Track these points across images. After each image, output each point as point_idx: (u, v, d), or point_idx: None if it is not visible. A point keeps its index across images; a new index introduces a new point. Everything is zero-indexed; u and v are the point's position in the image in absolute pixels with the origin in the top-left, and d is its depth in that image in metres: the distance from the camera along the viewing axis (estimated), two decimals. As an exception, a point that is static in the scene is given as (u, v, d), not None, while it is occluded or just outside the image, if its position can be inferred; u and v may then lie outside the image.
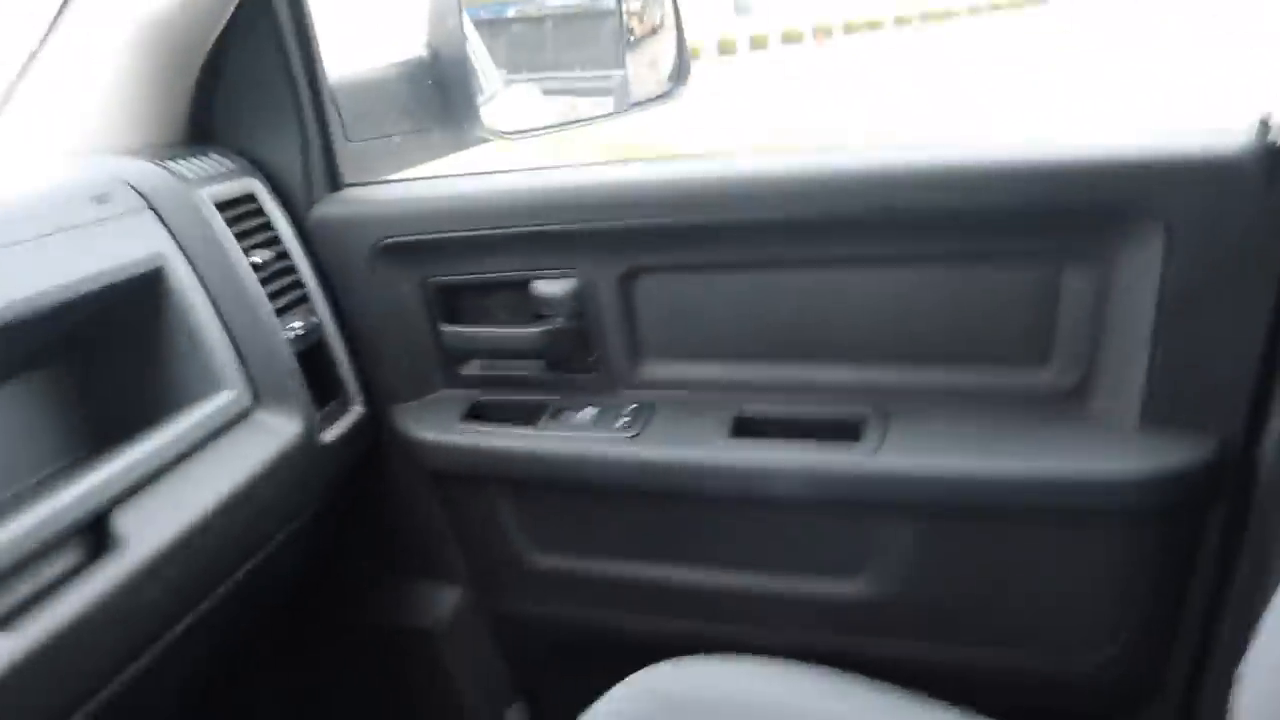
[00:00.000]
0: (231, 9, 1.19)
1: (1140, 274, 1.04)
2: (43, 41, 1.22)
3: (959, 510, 1.13)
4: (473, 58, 1.33)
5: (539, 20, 1.58)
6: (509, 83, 1.48)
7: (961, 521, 1.14)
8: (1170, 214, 1.00)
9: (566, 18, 1.56)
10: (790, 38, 17.61)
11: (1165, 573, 1.11)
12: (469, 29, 1.36)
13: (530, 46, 1.58)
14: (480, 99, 1.34)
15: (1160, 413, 1.06)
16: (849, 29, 19.21)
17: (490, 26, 1.50)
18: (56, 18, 1.20)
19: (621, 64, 1.44)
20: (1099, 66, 11.82)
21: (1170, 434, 1.06)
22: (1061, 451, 1.09)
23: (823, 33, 18.44)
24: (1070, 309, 1.09)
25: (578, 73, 1.54)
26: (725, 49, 15.72)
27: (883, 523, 1.17)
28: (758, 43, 16.58)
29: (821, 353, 1.20)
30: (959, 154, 1.10)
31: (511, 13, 1.54)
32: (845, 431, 1.16)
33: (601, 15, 1.50)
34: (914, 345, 1.16)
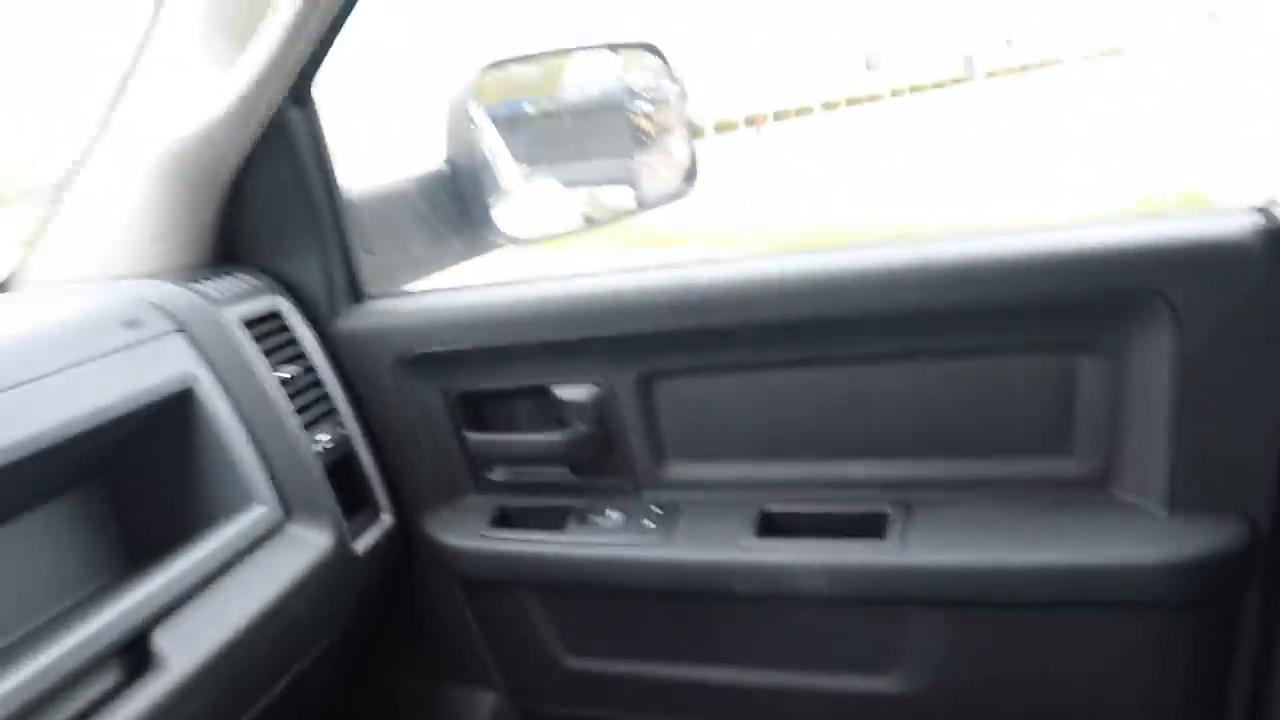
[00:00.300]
0: (253, 137, 1.23)
1: (1154, 358, 1.04)
2: (76, 170, 1.24)
3: (988, 602, 1.12)
4: (489, 166, 1.36)
5: (556, 115, 1.61)
6: (528, 177, 1.50)
7: (991, 614, 1.13)
8: (1177, 298, 1.00)
9: (582, 113, 1.59)
10: (723, 128, 18.13)
11: (1202, 661, 1.09)
12: (488, 130, 1.39)
13: (548, 140, 1.61)
14: (496, 202, 1.36)
15: (1186, 497, 1.05)
16: (779, 117, 19.84)
17: (509, 122, 1.53)
18: (89, 149, 1.22)
19: (632, 160, 1.48)
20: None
21: (1198, 518, 1.05)
22: (1089, 540, 1.08)
23: (758, 120, 19.03)
24: (1088, 396, 1.09)
25: (593, 164, 1.57)
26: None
27: (912, 617, 1.16)
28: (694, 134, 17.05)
29: (842, 448, 1.20)
30: (965, 249, 1.10)
31: (530, 109, 1.57)
32: (870, 527, 1.16)
33: (615, 111, 1.54)
34: (934, 438, 1.16)
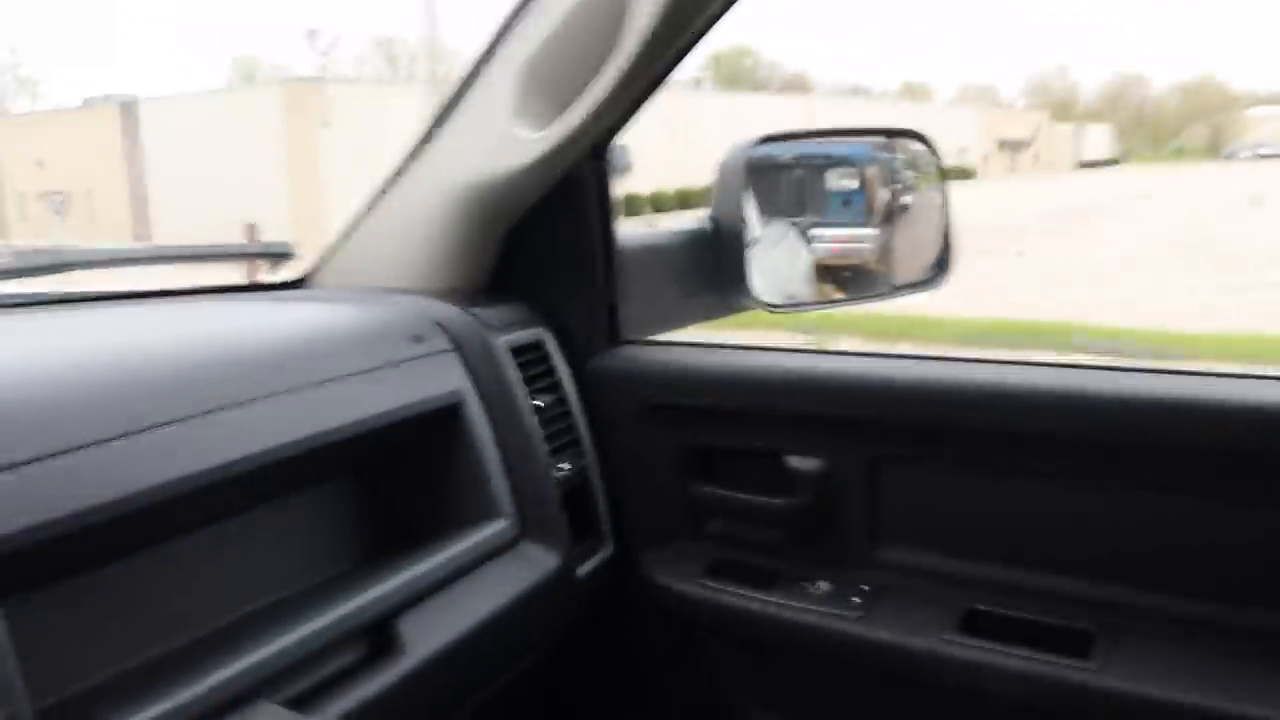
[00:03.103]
0: (549, 186, 1.34)
1: None
2: (383, 190, 1.37)
3: None
4: (749, 231, 1.41)
5: (795, 169, 1.63)
6: (780, 236, 1.54)
7: None
8: None
9: (844, 176, 1.61)
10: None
11: None
12: (752, 198, 1.45)
13: (797, 193, 1.62)
14: (753, 265, 1.41)
15: None
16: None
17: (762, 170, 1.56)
18: (399, 173, 1.35)
19: (888, 239, 1.51)
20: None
21: None
22: None
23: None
24: None
25: (842, 231, 1.59)
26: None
27: None
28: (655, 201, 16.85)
29: (1057, 561, 1.20)
30: (1221, 391, 1.09)
31: (789, 157, 1.59)
32: (1075, 644, 1.15)
33: (877, 183, 1.56)
34: (1152, 569, 1.15)
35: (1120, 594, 1.17)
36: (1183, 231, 18.27)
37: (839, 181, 1.56)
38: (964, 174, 46.95)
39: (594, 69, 1.20)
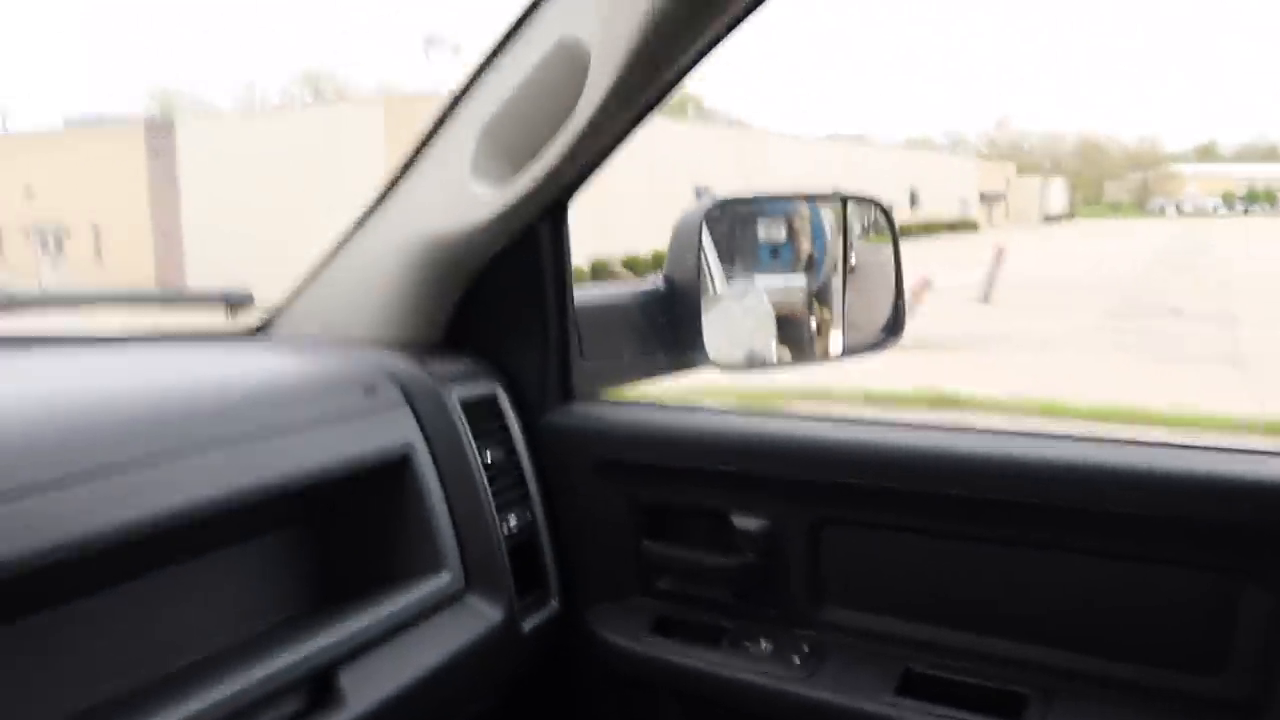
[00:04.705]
0: (505, 243, 1.35)
1: None
2: (343, 241, 1.39)
3: None
4: (704, 291, 1.43)
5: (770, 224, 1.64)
6: (744, 289, 1.56)
7: None
8: None
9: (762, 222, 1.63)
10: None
11: None
12: (705, 238, 1.47)
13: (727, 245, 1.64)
14: (707, 325, 1.43)
15: None
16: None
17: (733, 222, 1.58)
18: (358, 225, 1.37)
19: (840, 300, 1.54)
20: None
21: None
22: None
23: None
24: (1246, 624, 1.08)
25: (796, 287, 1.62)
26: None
27: None
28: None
29: (993, 624, 1.22)
30: (1147, 459, 1.12)
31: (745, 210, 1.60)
32: (1008, 706, 1.17)
33: (831, 246, 1.59)
34: (1085, 632, 1.17)
35: (1053, 656, 1.19)
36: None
37: (768, 232, 1.59)
38: (968, 226, 47.57)
39: (551, 131, 1.22)
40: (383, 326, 1.41)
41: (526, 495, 1.37)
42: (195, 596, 1.08)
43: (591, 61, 1.15)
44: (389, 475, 1.23)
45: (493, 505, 1.30)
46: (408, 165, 1.34)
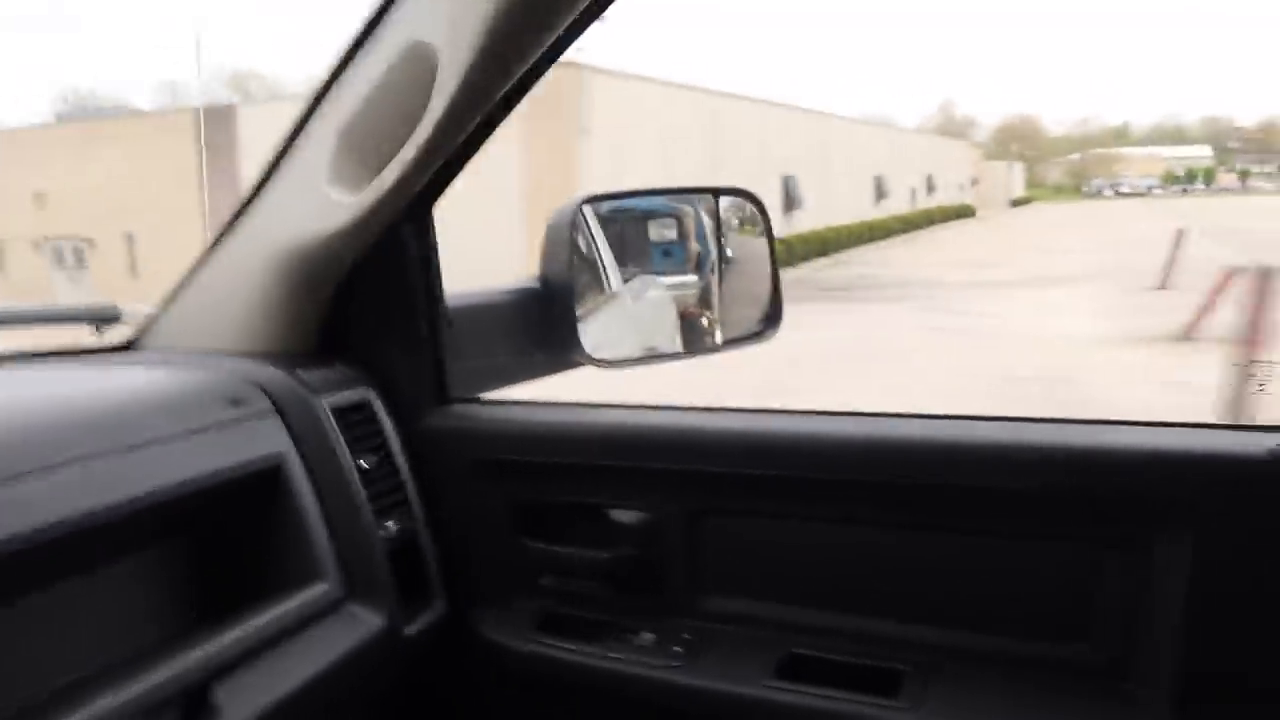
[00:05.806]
0: (368, 248, 1.34)
1: (1173, 565, 1.07)
2: (208, 253, 1.37)
3: None
4: (578, 290, 1.44)
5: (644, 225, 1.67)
6: (645, 285, 1.57)
7: None
8: (1201, 509, 1.05)
9: (653, 222, 1.65)
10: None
11: None
12: (597, 234, 1.47)
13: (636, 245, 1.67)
14: (582, 323, 1.43)
15: (1191, 699, 1.08)
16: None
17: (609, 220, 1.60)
18: (222, 236, 1.36)
19: (716, 293, 1.55)
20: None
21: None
22: None
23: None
24: (1108, 589, 1.13)
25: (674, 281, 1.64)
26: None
27: None
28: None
29: (869, 605, 1.25)
30: (1011, 434, 1.16)
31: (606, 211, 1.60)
32: (885, 684, 1.19)
33: (704, 239, 1.61)
34: (957, 608, 1.20)
35: (928, 634, 1.22)
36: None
37: (660, 233, 1.60)
38: (967, 212, 47.39)
39: (405, 133, 1.22)
40: (252, 338, 1.39)
41: (405, 500, 1.36)
42: (68, 616, 1.06)
43: (440, 63, 1.14)
44: (261, 486, 1.22)
45: (371, 511, 1.29)
46: (270, 171, 1.32)
